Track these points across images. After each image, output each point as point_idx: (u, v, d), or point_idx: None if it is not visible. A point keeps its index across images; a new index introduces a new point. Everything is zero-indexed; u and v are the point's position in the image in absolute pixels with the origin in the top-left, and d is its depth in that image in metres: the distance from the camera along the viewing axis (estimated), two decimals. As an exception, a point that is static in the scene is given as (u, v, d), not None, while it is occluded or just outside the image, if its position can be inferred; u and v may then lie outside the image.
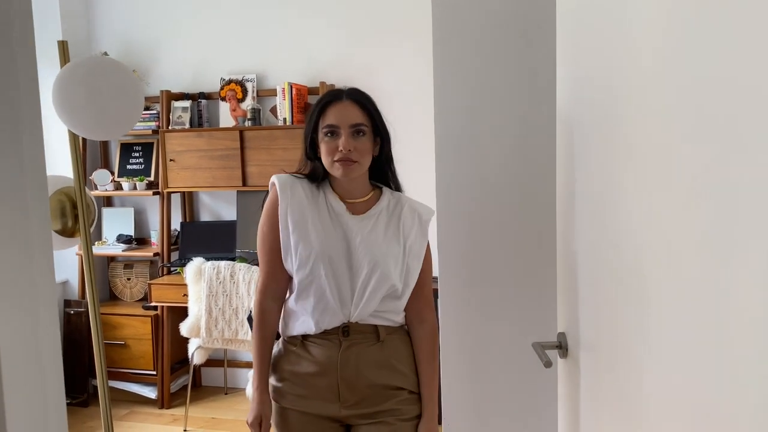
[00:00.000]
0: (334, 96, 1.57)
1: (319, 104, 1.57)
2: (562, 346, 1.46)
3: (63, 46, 1.70)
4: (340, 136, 1.53)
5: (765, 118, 0.60)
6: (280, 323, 1.65)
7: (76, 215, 1.50)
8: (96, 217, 1.50)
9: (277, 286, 1.62)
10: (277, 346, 1.64)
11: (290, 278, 1.62)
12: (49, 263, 1.30)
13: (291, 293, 1.63)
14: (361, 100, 1.57)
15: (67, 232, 1.62)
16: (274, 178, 1.62)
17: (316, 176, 1.62)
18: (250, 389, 3.36)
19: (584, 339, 1.30)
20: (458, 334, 1.96)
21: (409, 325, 1.67)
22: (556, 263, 1.51)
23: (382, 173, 1.68)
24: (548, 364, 1.38)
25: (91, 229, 1.46)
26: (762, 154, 0.60)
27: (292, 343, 1.60)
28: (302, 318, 1.58)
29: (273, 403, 1.62)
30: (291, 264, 1.58)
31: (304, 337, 1.58)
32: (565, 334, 1.46)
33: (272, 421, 1.63)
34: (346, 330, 1.55)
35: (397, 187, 1.71)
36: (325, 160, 1.56)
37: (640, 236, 0.94)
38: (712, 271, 0.71)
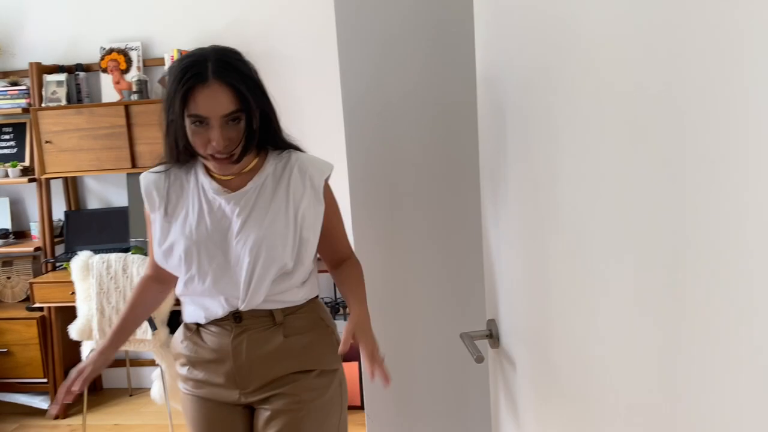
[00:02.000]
0: (198, 77, 1.28)
1: (181, 87, 1.28)
2: (492, 335, 1.32)
3: None
4: (211, 127, 1.30)
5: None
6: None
7: None
8: None
9: (160, 273, 1.54)
10: (179, 331, 1.55)
11: None
12: None
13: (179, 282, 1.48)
14: (231, 79, 1.30)
15: None
16: (140, 179, 1.51)
17: (184, 158, 1.43)
18: (155, 390, 3.09)
19: (515, 326, 1.15)
20: (379, 325, 1.79)
21: (331, 273, 1.59)
22: (482, 244, 1.35)
23: (269, 138, 1.45)
24: (480, 359, 1.23)
25: None
26: (712, 136, 0.43)
27: (189, 329, 1.50)
28: (192, 306, 1.48)
29: (180, 389, 1.55)
30: (168, 265, 1.45)
31: (198, 324, 1.48)
32: (495, 321, 1.31)
33: (181, 407, 1.59)
34: (237, 317, 1.44)
35: (285, 145, 1.48)
36: (196, 149, 1.34)
37: (566, 219, 0.78)
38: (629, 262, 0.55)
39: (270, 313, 1.44)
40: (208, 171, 1.44)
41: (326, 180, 1.46)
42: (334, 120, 3.01)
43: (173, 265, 1.43)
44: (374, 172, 1.72)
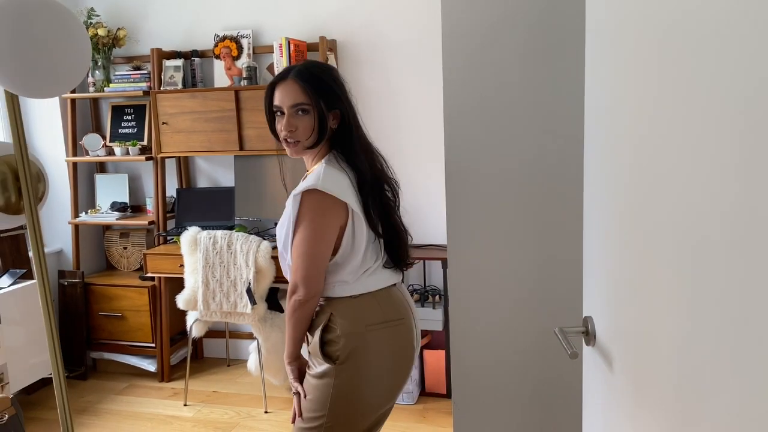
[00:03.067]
0: (281, 76, 1.62)
1: (269, 85, 1.63)
2: (588, 332, 1.30)
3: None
4: (284, 116, 1.59)
5: None
6: None
7: (20, 188, 1.25)
8: (46, 190, 1.30)
9: None
10: None
11: None
12: None
13: None
14: (305, 78, 1.58)
15: (12, 208, 1.35)
16: None
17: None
18: (251, 362, 3.25)
19: (614, 325, 1.13)
20: (468, 318, 1.80)
21: None
22: (583, 240, 1.32)
23: (344, 143, 1.65)
24: (574, 355, 1.22)
25: (42, 205, 1.26)
26: None
27: None
28: None
29: None
30: None
31: None
32: (591, 318, 1.29)
33: None
34: None
35: (355, 154, 1.65)
36: (278, 137, 1.64)
37: (674, 215, 0.75)
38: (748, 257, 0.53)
39: None
40: None
41: (306, 193, 1.55)
42: (434, 110, 3.03)
43: None
44: (471, 160, 1.72)
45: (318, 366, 1.64)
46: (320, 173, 1.58)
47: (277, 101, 1.60)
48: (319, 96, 1.58)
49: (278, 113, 1.61)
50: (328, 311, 1.64)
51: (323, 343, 1.63)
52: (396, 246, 1.73)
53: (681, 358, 0.82)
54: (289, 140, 1.60)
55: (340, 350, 1.61)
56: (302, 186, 1.58)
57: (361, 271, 1.64)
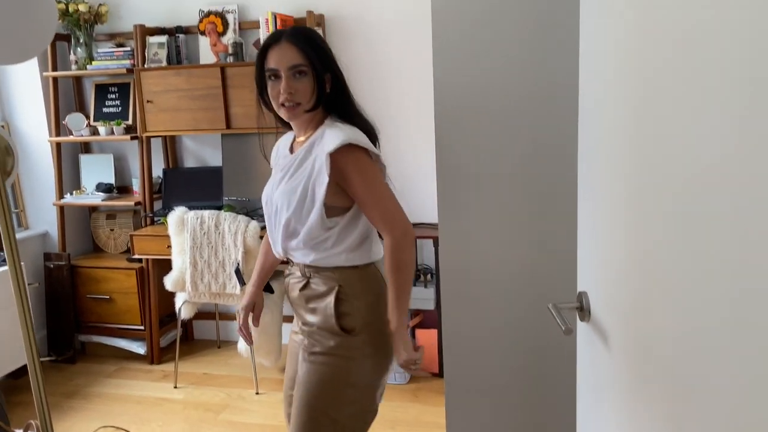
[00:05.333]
0: (273, 38, 1.56)
1: (261, 50, 1.57)
2: (582, 308, 1.26)
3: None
4: (281, 79, 1.53)
5: None
6: None
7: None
8: (15, 164, 1.25)
9: None
10: None
11: None
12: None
13: None
14: (299, 40, 1.54)
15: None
16: None
17: (286, 124, 1.67)
18: (241, 344, 3.21)
19: (609, 299, 1.09)
20: (461, 296, 1.76)
21: None
22: (577, 211, 1.28)
23: (339, 106, 1.62)
24: (568, 331, 1.19)
25: (10, 180, 1.21)
26: None
27: None
28: None
29: None
30: None
31: None
32: (586, 294, 1.25)
33: None
34: (291, 262, 1.70)
35: (352, 116, 1.61)
36: (273, 102, 1.58)
37: (674, 189, 0.71)
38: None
39: (300, 267, 1.65)
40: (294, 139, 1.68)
41: (336, 152, 1.50)
42: (424, 86, 2.97)
43: None
44: (462, 136, 1.67)
45: (328, 340, 1.59)
46: (340, 130, 1.52)
47: (272, 64, 1.53)
48: (316, 58, 1.54)
49: (272, 77, 1.54)
50: (335, 282, 1.59)
51: (338, 316, 1.58)
52: None
53: (679, 332, 0.79)
54: (286, 103, 1.54)
55: (356, 322, 1.58)
56: (331, 143, 1.50)
57: (364, 239, 1.61)
